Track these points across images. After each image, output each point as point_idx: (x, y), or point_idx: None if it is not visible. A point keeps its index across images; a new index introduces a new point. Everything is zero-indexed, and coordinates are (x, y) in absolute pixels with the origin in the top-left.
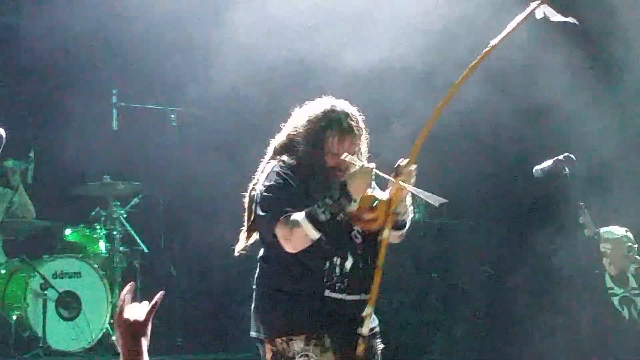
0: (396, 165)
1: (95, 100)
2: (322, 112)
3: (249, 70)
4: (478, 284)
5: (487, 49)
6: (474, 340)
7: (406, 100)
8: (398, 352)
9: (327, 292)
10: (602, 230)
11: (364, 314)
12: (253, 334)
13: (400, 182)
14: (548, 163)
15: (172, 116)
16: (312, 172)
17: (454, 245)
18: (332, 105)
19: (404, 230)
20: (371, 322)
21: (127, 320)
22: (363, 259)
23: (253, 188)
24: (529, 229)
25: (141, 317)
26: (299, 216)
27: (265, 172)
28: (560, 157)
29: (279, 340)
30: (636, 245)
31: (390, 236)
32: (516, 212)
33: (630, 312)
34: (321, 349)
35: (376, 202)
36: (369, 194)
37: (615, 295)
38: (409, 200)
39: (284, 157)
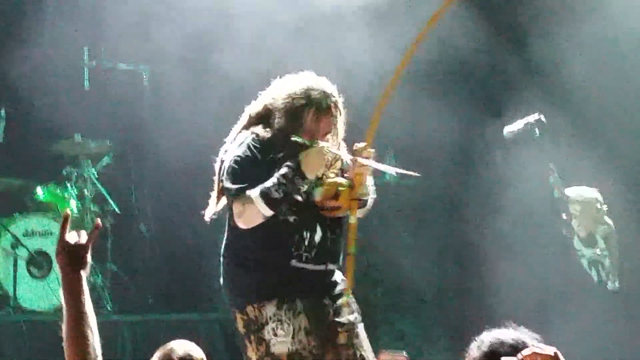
0: (353, 148)
1: (67, 59)
2: (303, 89)
3: (223, 29)
4: (448, 245)
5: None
6: (442, 301)
7: None
8: (369, 311)
9: (293, 262)
10: (571, 191)
11: (340, 302)
12: (227, 306)
13: (365, 162)
14: (519, 125)
15: (144, 76)
16: (285, 147)
17: (424, 204)
18: (313, 83)
19: (366, 208)
20: (339, 285)
21: (67, 243)
22: (331, 230)
23: (224, 153)
24: (497, 191)
25: (82, 240)
26: (253, 193)
27: (237, 141)
28: (531, 118)
29: (250, 307)
30: (605, 207)
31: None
32: (486, 175)
33: (599, 273)
34: (293, 313)
35: (339, 189)
36: (332, 180)
37: (584, 256)
38: (370, 181)
39: (258, 129)
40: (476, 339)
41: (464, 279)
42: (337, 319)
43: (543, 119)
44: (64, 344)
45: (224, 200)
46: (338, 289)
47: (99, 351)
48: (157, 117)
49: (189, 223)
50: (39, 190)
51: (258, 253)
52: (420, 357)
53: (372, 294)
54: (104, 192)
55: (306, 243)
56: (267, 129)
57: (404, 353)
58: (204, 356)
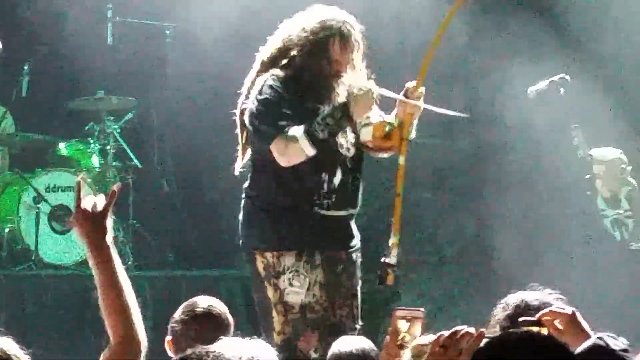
0: (405, 88)
1: (90, 15)
2: (322, 21)
3: None
4: (468, 204)
5: None
6: (463, 261)
7: None
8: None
9: (316, 209)
10: (596, 151)
11: (390, 242)
12: (243, 247)
13: (417, 103)
14: (543, 84)
15: (168, 32)
16: (312, 82)
17: (446, 163)
18: (330, 14)
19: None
20: (355, 239)
21: (84, 210)
22: (352, 174)
23: (244, 103)
24: (521, 150)
25: (100, 207)
26: (297, 131)
27: (257, 85)
28: (555, 77)
29: (269, 253)
30: (629, 167)
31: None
32: (509, 135)
33: (622, 234)
34: (311, 266)
35: (389, 129)
36: (380, 121)
37: (607, 217)
38: (415, 122)
39: (276, 71)
40: (501, 301)
41: (484, 238)
42: (387, 260)
43: (567, 78)
44: (103, 315)
45: (249, 151)
46: (354, 242)
47: (140, 326)
48: (180, 74)
49: (210, 179)
50: (62, 146)
51: (282, 199)
52: (440, 315)
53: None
54: (127, 148)
55: (325, 187)
56: (287, 69)
57: (421, 309)
58: (226, 310)
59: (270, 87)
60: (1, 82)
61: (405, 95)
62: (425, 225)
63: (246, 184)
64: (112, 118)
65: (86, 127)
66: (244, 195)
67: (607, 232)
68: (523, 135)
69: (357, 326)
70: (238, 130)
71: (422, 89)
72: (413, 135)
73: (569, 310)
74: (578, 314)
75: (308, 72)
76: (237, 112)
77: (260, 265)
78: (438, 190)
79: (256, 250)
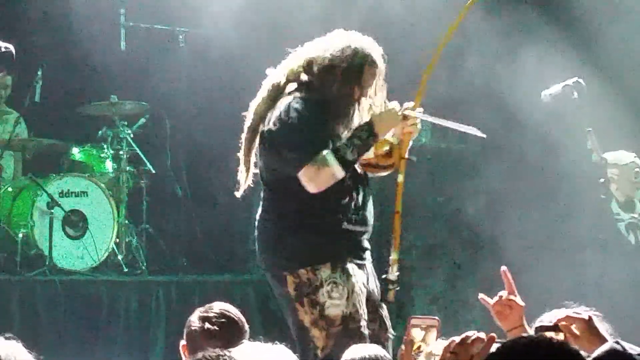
0: (403, 108)
1: (103, 20)
2: (354, 47)
3: None
4: (483, 209)
5: None
6: (476, 266)
7: None
8: (402, 274)
9: (344, 225)
10: (610, 155)
11: (391, 259)
12: (268, 268)
13: (424, 116)
14: (557, 88)
15: (181, 37)
16: (339, 107)
17: (460, 169)
18: (358, 40)
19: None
20: (368, 250)
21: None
22: (368, 191)
23: (262, 124)
24: (535, 154)
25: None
26: (327, 155)
27: (280, 108)
28: (569, 81)
29: (303, 271)
30: None
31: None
32: (523, 139)
33: (637, 237)
34: (347, 275)
35: (389, 146)
36: (382, 139)
37: (622, 221)
38: (411, 143)
39: (299, 93)
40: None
41: (499, 242)
42: (387, 277)
43: (581, 82)
44: None
45: (252, 171)
46: (368, 254)
47: None
48: (193, 78)
49: (223, 184)
50: (75, 151)
51: (310, 217)
52: (454, 320)
53: (406, 257)
54: (140, 153)
55: (353, 205)
56: (312, 92)
57: (436, 318)
58: (241, 316)
59: (297, 110)
60: (15, 87)
61: (403, 116)
62: (439, 230)
63: (261, 209)
64: (125, 123)
65: (99, 132)
66: (260, 220)
67: (622, 236)
68: (537, 139)
69: (391, 335)
70: (242, 153)
71: (420, 109)
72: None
73: (585, 315)
74: (595, 319)
75: (338, 97)
76: (244, 135)
77: (291, 287)
78: (451, 194)
79: (287, 272)
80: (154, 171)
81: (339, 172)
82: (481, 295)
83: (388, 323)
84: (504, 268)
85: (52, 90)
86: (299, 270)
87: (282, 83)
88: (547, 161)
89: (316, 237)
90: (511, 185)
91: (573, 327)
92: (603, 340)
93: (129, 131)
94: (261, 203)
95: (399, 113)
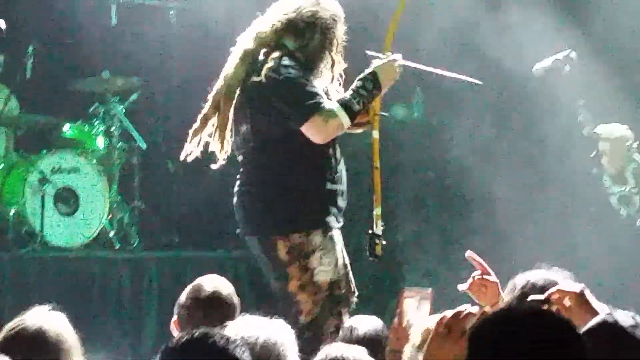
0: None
1: None
2: (324, 5)
3: None
4: (474, 184)
5: None
6: (470, 240)
7: None
8: (394, 251)
9: (328, 185)
10: (601, 128)
11: (375, 213)
12: (255, 233)
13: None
14: (548, 61)
15: (172, 12)
16: (317, 62)
17: (451, 143)
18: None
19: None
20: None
21: None
22: (340, 149)
23: (242, 89)
24: (527, 128)
25: None
26: (334, 106)
27: (269, 66)
28: (561, 55)
29: (296, 235)
30: (636, 144)
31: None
32: (513, 113)
33: (628, 211)
34: (334, 243)
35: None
36: None
37: (613, 194)
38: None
39: (282, 51)
40: (508, 283)
41: (491, 219)
42: (374, 231)
43: (573, 55)
44: None
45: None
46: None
47: None
48: (184, 54)
49: (216, 160)
50: (67, 127)
51: (296, 179)
52: (446, 295)
53: (397, 233)
54: (132, 129)
55: (333, 162)
56: (291, 49)
57: (429, 289)
58: (232, 290)
59: (287, 67)
60: (6, 63)
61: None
62: (430, 205)
63: (244, 176)
64: (116, 99)
65: (91, 109)
66: (243, 186)
67: (614, 209)
68: (528, 113)
69: (355, 298)
70: (217, 123)
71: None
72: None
73: (577, 287)
74: (587, 291)
75: (316, 52)
76: (220, 92)
77: (283, 251)
78: (443, 170)
79: (278, 236)
80: (145, 147)
81: (347, 123)
82: (469, 253)
83: (353, 285)
84: (468, 253)
85: (43, 66)
86: (291, 234)
87: (253, 48)
88: (539, 135)
89: (307, 200)
90: (503, 160)
91: (565, 300)
92: (595, 313)
93: (121, 107)
94: (242, 170)
95: (396, 65)
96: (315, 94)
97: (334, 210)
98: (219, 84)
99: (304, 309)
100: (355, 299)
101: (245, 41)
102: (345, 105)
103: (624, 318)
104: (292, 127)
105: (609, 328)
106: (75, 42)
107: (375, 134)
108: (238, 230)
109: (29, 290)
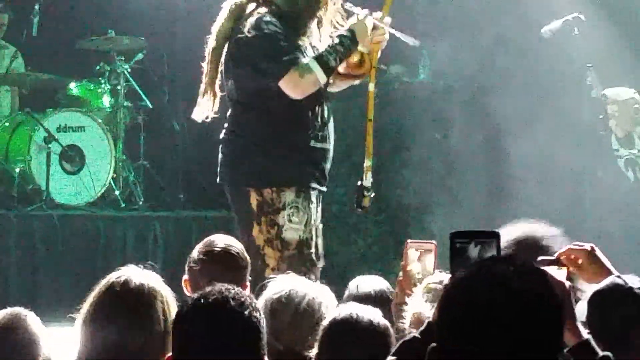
0: (372, 17)
1: None
2: None
3: None
4: (481, 146)
5: None
6: (476, 200)
7: None
8: (400, 211)
9: (312, 143)
10: (609, 91)
11: (365, 165)
12: (231, 182)
13: (387, 28)
14: (557, 23)
15: None
16: (304, 20)
17: (457, 105)
18: None
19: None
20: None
21: None
22: (329, 107)
23: (229, 44)
24: (532, 87)
25: None
26: (309, 62)
27: (249, 23)
28: (569, 17)
29: (267, 190)
30: None
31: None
32: (523, 75)
33: (635, 174)
34: (309, 202)
35: (359, 57)
36: None
37: (621, 157)
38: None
39: (267, 8)
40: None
41: (497, 179)
42: (363, 183)
43: (582, 17)
44: None
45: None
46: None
47: None
48: (190, 13)
49: (221, 119)
50: (72, 86)
51: (278, 134)
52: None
53: (404, 194)
54: (137, 88)
55: (319, 120)
56: (276, 6)
57: (433, 241)
58: (243, 249)
59: (267, 22)
60: (12, 22)
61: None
62: (436, 167)
63: (230, 124)
64: (122, 58)
65: (97, 67)
66: (228, 134)
67: (621, 172)
68: (535, 74)
69: (320, 265)
70: (207, 78)
71: (387, 19)
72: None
73: (587, 246)
74: (597, 250)
75: (304, 9)
76: (208, 59)
77: (254, 203)
78: (449, 131)
79: (251, 188)
80: (151, 106)
81: (322, 78)
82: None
83: (321, 253)
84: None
85: (49, 24)
86: (263, 188)
87: (243, 2)
88: (547, 97)
89: (284, 156)
90: (509, 121)
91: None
92: (606, 270)
93: (127, 66)
94: (227, 120)
95: (369, 23)
96: (293, 50)
97: (312, 169)
98: (210, 39)
99: (269, 263)
100: (320, 266)
101: (224, 10)
102: (321, 60)
103: (633, 280)
104: (269, 82)
105: (619, 289)
106: (81, 0)
107: (371, 86)
108: (218, 180)
109: (35, 247)
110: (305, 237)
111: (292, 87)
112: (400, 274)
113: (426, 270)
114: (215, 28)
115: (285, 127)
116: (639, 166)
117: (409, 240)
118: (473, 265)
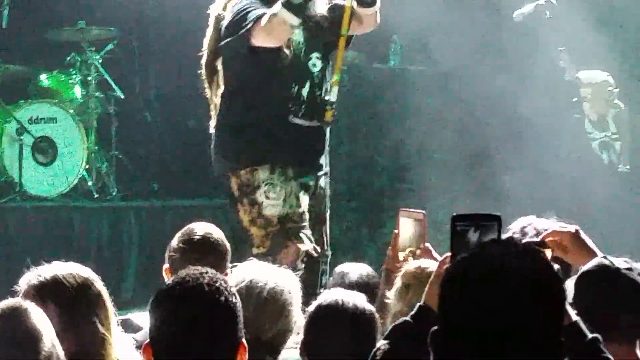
0: None
1: None
2: None
3: None
4: (454, 131)
5: None
6: (450, 186)
7: None
8: (375, 196)
9: (290, 118)
10: (583, 74)
11: (331, 80)
12: (219, 171)
13: None
14: (529, 7)
15: None
16: None
17: (429, 91)
18: None
19: (374, 9)
20: (323, 158)
21: None
22: (319, 87)
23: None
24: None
25: None
26: (274, 8)
27: (232, 4)
28: (541, 0)
29: (243, 172)
30: (617, 90)
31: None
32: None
33: (609, 156)
34: (285, 178)
35: None
36: None
37: (595, 139)
38: None
39: None
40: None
41: (471, 166)
42: (327, 98)
43: (554, 0)
44: None
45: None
46: (322, 162)
47: None
48: (161, 3)
49: (193, 108)
50: (43, 77)
51: (253, 114)
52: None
53: (377, 180)
54: (109, 79)
55: (298, 97)
56: None
57: (423, 211)
58: (223, 236)
59: (239, 2)
60: None
61: None
62: (408, 152)
63: (214, 119)
64: (93, 48)
65: (67, 58)
66: (214, 127)
67: (595, 154)
68: (509, 58)
69: (328, 253)
70: (207, 90)
71: None
72: None
73: (571, 228)
74: (581, 232)
75: None
76: (203, 72)
77: (235, 187)
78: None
79: (230, 173)
80: (122, 97)
81: (291, 18)
82: None
83: (327, 241)
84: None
85: (19, 16)
86: (240, 171)
87: (222, 11)
88: (519, 80)
89: (257, 137)
90: (484, 106)
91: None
92: (591, 252)
93: (97, 57)
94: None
95: None
96: (253, 10)
97: (289, 144)
98: (204, 54)
99: (256, 241)
100: (328, 255)
101: (215, 7)
102: (285, 2)
103: (618, 261)
104: (245, 53)
105: (606, 270)
106: None
107: (348, 2)
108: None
109: (9, 239)
110: (285, 212)
111: (264, 35)
112: (392, 241)
113: (415, 238)
114: (205, 41)
115: (259, 104)
116: (612, 148)
117: (401, 209)
118: (474, 248)
